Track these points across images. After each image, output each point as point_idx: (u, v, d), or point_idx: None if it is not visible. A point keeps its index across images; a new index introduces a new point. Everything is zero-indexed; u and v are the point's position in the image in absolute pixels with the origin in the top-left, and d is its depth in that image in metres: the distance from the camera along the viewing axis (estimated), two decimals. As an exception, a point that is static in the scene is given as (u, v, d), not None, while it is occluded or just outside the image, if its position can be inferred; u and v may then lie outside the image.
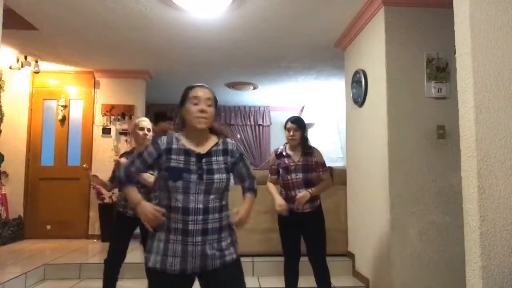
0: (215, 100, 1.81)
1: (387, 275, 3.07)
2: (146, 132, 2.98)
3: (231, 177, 1.80)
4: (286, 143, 2.98)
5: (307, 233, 2.89)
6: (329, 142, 7.57)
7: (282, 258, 3.00)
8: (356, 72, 3.74)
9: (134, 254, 3.58)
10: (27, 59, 4.93)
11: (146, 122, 3.02)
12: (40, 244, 4.93)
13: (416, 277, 3.00)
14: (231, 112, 8.08)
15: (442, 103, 3.12)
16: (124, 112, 5.55)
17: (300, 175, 2.84)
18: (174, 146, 1.71)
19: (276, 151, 3.00)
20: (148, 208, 1.64)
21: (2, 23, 2.59)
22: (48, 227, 5.35)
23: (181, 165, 1.66)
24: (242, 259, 1.80)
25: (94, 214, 5.37)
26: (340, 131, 7.36)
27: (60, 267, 3.88)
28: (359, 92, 3.69)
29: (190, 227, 1.61)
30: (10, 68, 4.96)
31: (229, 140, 1.83)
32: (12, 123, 5.35)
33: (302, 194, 2.77)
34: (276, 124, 8.17)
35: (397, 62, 3.14)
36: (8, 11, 3.18)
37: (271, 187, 2.95)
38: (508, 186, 1.71)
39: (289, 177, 2.86)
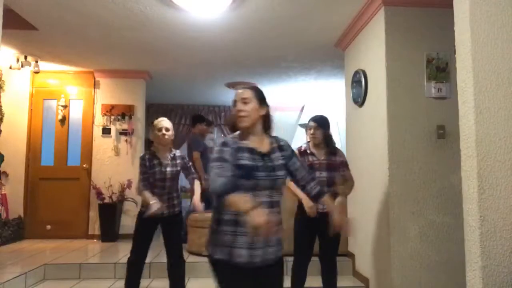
0: (257, 96, 1.79)
1: (387, 275, 3.07)
2: (164, 132, 2.96)
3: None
4: (308, 141, 2.98)
5: (325, 232, 2.87)
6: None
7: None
8: (356, 72, 3.74)
9: (162, 255, 3.56)
10: (27, 59, 4.93)
11: (164, 122, 3.00)
12: (40, 244, 4.92)
13: (416, 277, 3.00)
14: (231, 112, 8.07)
15: (442, 103, 3.12)
16: (124, 112, 5.55)
17: (324, 174, 2.83)
18: (237, 145, 1.74)
19: (299, 149, 2.95)
20: (265, 217, 1.43)
21: (2, 23, 2.59)
22: (48, 227, 5.35)
23: (249, 163, 1.69)
24: None
25: (94, 214, 5.37)
26: (340, 131, 7.36)
27: (60, 267, 3.88)
28: (359, 92, 3.69)
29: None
30: (10, 68, 4.95)
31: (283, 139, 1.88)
32: (12, 123, 5.34)
33: (339, 203, 2.75)
34: (276, 124, 8.14)
35: (397, 62, 3.14)
36: (8, 11, 3.18)
37: (294, 186, 2.82)
38: (508, 186, 1.71)
39: None
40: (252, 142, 1.75)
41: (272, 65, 5.32)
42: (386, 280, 3.10)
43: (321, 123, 2.90)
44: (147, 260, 3.07)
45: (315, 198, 1.90)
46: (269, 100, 1.85)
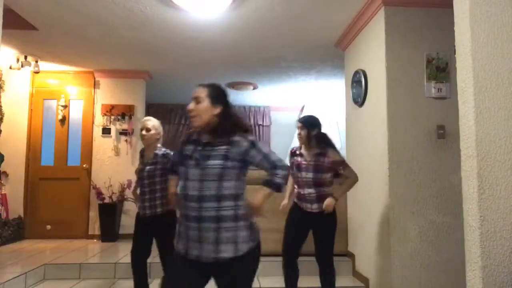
0: (211, 95, 1.76)
1: (387, 275, 3.07)
2: (144, 132, 2.96)
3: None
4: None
5: (317, 232, 2.89)
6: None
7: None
8: (356, 72, 3.74)
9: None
10: (27, 59, 4.93)
11: (148, 122, 3.00)
12: (40, 244, 4.92)
13: (416, 277, 3.00)
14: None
15: (442, 103, 3.12)
16: (124, 112, 5.55)
17: (310, 175, 2.83)
18: (192, 138, 1.83)
19: (291, 150, 3.05)
20: None
21: (2, 23, 2.58)
22: (48, 227, 5.35)
23: (187, 153, 1.77)
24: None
25: (94, 214, 5.37)
26: (340, 131, 7.36)
27: (60, 267, 3.88)
28: (359, 92, 3.69)
29: (190, 213, 1.68)
30: (10, 68, 4.95)
31: (245, 135, 1.77)
32: (12, 123, 5.34)
33: (328, 202, 2.74)
34: (276, 124, 8.17)
35: (397, 62, 3.14)
36: (8, 11, 3.18)
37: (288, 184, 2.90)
38: (508, 186, 1.71)
39: (299, 175, 2.88)
40: (201, 135, 1.78)
41: (272, 65, 5.32)
42: (386, 280, 3.10)
43: (306, 123, 2.91)
44: (148, 260, 3.04)
45: (266, 183, 1.81)
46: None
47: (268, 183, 1.77)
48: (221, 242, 1.64)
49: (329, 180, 2.87)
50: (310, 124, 2.91)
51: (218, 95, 1.78)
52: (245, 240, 1.69)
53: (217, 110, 1.75)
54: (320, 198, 2.80)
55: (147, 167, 2.92)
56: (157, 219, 2.90)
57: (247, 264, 1.72)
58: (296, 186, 2.94)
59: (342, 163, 2.88)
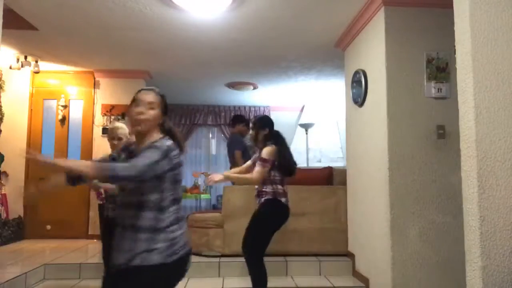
0: (162, 105, 1.73)
1: (387, 275, 3.07)
2: (115, 142, 2.90)
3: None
4: None
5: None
6: (329, 142, 7.57)
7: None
8: (356, 72, 3.74)
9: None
10: (27, 59, 4.93)
11: (119, 130, 2.92)
12: (40, 244, 4.92)
13: (416, 277, 3.00)
14: (231, 112, 8.08)
15: (442, 103, 3.12)
16: (124, 112, 5.55)
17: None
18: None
19: None
20: None
21: (2, 23, 2.59)
22: (48, 227, 5.35)
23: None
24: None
25: (94, 214, 5.36)
26: (340, 131, 7.36)
27: (60, 267, 3.88)
28: (359, 92, 3.69)
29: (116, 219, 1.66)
30: (10, 68, 4.95)
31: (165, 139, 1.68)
32: (12, 123, 5.34)
33: (214, 174, 3.02)
34: (276, 124, 8.15)
35: (397, 62, 3.14)
36: (8, 11, 3.18)
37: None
38: (508, 186, 1.71)
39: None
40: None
41: (272, 65, 5.32)
42: (386, 280, 3.10)
43: (254, 124, 3.17)
44: None
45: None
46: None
47: (99, 165, 1.58)
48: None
49: (267, 178, 2.96)
50: (257, 123, 3.16)
51: (166, 104, 1.76)
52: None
53: (161, 120, 1.72)
54: (258, 195, 3.01)
55: None
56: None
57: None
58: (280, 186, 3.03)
59: (261, 160, 2.94)
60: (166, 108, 1.76)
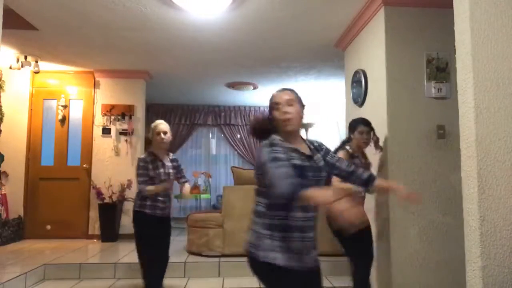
0: (298, 99, 1.74)
1: (387, 275, 3.07)
2: (163, 136, 2.99)
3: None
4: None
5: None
6: (329, 142, 7.56)
7: None
8: (356, 72, 3.74)
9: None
10: (27, 59, 4.93)
11: (163, 125, 3.03)
12: (40, 244, 4.93)
13: (416, 277, 3.00)
14: (231, 112, 8.08)
15: (442, 103, 3.12)
16: (124, 112, 5.56)
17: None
18: (284, 145, 1.64)
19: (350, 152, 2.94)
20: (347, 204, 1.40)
21: (2, 23, 2.59)
22: (48, 227, 5.36)
23: (300, 162, 1.61)
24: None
25: (94, 214, 5.37)
26: (340, 131, 7.36)
27: (60, 267, 3.88)
28: (359, 92, 3.69)
29: (307, 223, 1.61)
30: (10, 68, 4.96)
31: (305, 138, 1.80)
32: (12, 123, 5.35)
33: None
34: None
35: (397, 62, 3.14)
36: (8, 11, 3.18)
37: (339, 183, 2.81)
38: (508, 186, 1.71)
39: None
40: (294, 144, 1.69)
41: (272, 65, 5.32)
42: (386, 280, 3.10)
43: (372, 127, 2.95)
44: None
45: (367, 182, 1.84)
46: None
47: (367, 180, 1.83)
48: (316, 249, 1.67)
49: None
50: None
51: (301, 99, 1.76)
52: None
53: (303, 113, 1.74)
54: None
55: (171, 171, 3.07)
56: (168, 220, 3.10)
57: None
58: None
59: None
60: (301, 101, 1.77)
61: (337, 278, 3.77)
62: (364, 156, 2.96)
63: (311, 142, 1.80)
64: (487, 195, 1.71)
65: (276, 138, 1.66)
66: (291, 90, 1.75)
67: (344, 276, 3.81)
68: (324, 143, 1.85)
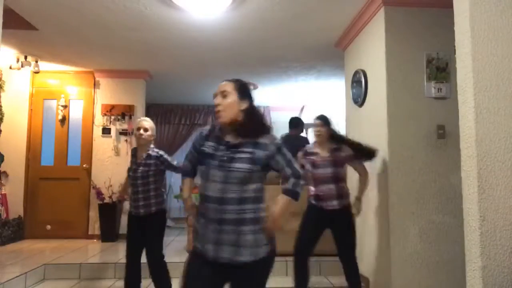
0: (238, 89, 1.70)
1: (387, 275, 3.07)
2: (141, 132, 2.97)
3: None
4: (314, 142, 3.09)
5: (337, 230, 2.93)
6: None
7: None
8: (356, 72, 3.74)
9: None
10: (27, 59, 4.93)
11: (145, 122, 3.02)
12: (40, 244, 4.93)
13: (416, 277, 3.00)
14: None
15: (442, 103, 3.12)
16: (124, 112, 5.56)
17: (329, 170, 2.89)
18: (208, 133, 1.76)
19: (304, 150, 3.10)
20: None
21: (2, 23, 2.59)
22: (48, 227, 5.36)
23: (208, 151, 1.69)
24: None
25: (94, 214, 5.37)
26: (340, 131, 7.36)
27: (60, 267, 3.88)
28: (359, 92, 3.69)
29: (210, 214, 1.63)
30: (10, 68, 4.96)
31: (270, 136, 1.71)
32: (12, 123, 5.35)
33: (356, 206, 2.94)
34: (276, 124, 8.16)
35: (397, 62, 3.14)
36: (8, 11, 3.18)
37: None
38: (508, 186, 1.71)
39: (316, 172, 2.92)
40: (227, 134, 1.69)
41: (272, 65, 5.32)
42: (386, 280, 3.10)
43: (325, 121, 2.97)
44: (144, 260, 2.98)
45: (287, 192, 1.72)
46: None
47: (290, 193, 1.70)
48: (241, 245, 1.61)
49: (345, 175, 2.97)
50: (328, 122, 2.99)
51: (245, 89, 1.73)
52: (264, 243, 1.66)
53: (244, 105, 1.69)
54: (341, 195, 2.89)
55: (141, 168, 2.95)
56: (150, 219, 2.95)
57: (264, 268, 1.70)
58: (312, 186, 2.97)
59: (353, 158, 2.96)
60: (246, 92, 1.73)
61: (337, 278, 3.76)
62: (330, 151, 2.94)
63: (262, 139, 1.68)
64: (487, 195, 1.71)
65: (206, 128, 1.80)
66: (231, 80, 1.73)
67: (344, 276, 3.81)
68: (274, 145, 1.69)
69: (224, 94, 1.68)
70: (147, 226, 2.94)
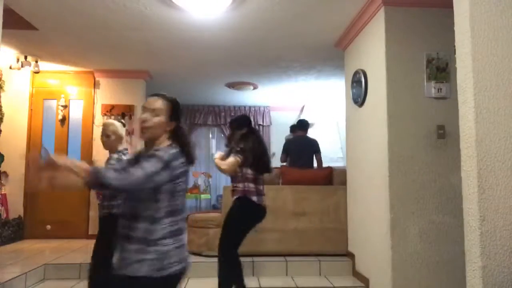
0: (170, 110, 1.69)
1: (387, 275, 3.07)
2: (104, 139, 2.80)
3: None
4: None
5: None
6: (329, 142, 7.57)
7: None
8: (356, 72, 3.74)
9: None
10: (27, 59, 4.93)
11: (109, 127, 2.78)
12: (40, 244, 4.92)
13: (416, 277, 3.00)
14: (231, 112, 8.08)
15: (442, 103, 3.12)
16: (124, 112, 5.55)
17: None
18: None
19: None
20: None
21: (2, 23, 2.59)
22: (48, 227, 5.35)
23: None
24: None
25: (94, 214, 5.36)
26: (340, 131, 7.36)
27: (60, 267, 3.88)
28: (359, 92, 3.69)
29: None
30: (10, 68, 4.96)
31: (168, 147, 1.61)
32: (12, 123, 5.34)
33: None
34: (276, 124, 8.17)
35: (397, 62, 3.14)
36: (8, 11, 3.18)
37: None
38: (508, 186, 1.71)
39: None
40: (148, 147, 1.66)
41: (272, 65, 5.32)
42: (386, 280, 3.10)
43: (231, 123, 3.22)
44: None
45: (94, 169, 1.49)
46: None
47: (94, 171, 1.41)
48: (118, 251, 1.61)
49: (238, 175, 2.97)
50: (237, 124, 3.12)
51: (176, 110, 1.71)
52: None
53: (171, 126, 1.68)
54: (232, 192, 3.03)
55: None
56: (110, 219, 2.76)
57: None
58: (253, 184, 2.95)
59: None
60: (177, 114, 1.72)
61: (337, 278, 3.77)
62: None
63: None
64: (487, 195, 1.71)
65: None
66: (165, 98, 1.71)
67: (344, 276, 3.81)
68: (154, 153, 1.58)
69: (155, 113, 1.63)
70: (103, 227, 2.95)
